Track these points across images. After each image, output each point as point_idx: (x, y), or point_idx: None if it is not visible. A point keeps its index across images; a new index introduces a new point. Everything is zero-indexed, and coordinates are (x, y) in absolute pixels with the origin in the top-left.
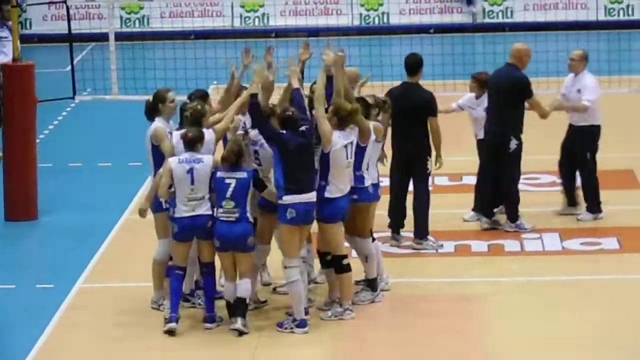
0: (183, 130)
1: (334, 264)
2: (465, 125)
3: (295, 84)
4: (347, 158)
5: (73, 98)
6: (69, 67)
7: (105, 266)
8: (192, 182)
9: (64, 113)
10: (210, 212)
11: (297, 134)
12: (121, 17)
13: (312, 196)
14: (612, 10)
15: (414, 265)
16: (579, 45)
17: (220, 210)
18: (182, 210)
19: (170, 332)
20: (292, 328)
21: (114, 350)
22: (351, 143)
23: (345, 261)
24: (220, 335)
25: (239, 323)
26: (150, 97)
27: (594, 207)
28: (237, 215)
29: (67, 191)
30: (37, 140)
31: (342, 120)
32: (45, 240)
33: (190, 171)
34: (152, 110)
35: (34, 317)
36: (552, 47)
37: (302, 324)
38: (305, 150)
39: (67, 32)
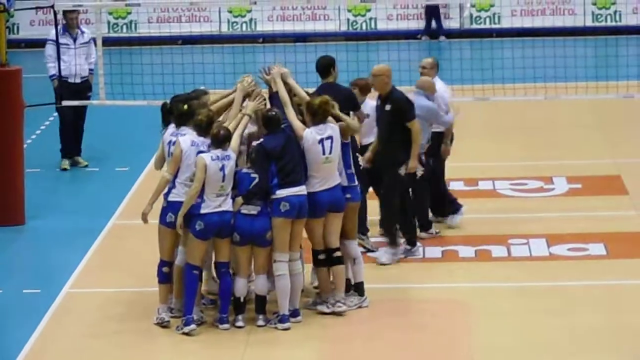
0: (192, 135)
1: (313, 257)
2: (455, 133)
3: (275, 88)
4: (324, 153)
5: (60, 103)
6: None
7: (93, 271)
8: (224, 179)
9: (51, 118)
10: (232, 209)
11: (278, 134)
12: (109, 22)
13: (303, 189)
14: (599, 16)
15: (401, 271)
16: (566, 51)
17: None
18: (211, 207)
19: (188, 334)
20: (275, 324)
21: (102, 355)
22: (330, 138)
23: (321, 256)
24: (209, 335)
25: (260, 321)
26: (184, 105)
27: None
28: (258, 209)
29: (55, 196)
30: (25, 145)
31: (314, 115)
32: (32, 245)
33: (222, 168)
34: (184, 117)
35: (21, 322)
36: (539, 53)
37: (283, 319)
38: (289, 146)
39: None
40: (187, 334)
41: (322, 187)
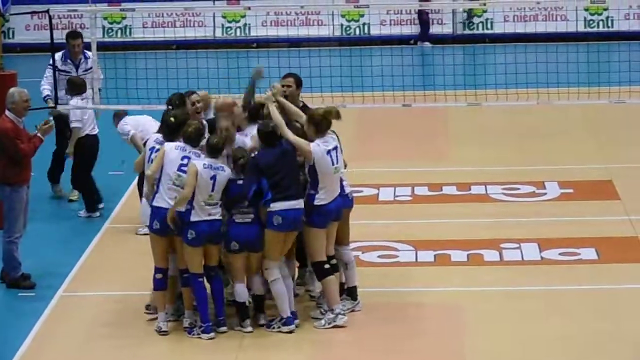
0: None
1: (315, 269)
2: (447, 138)
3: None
4: (333, 164)
5: (55, 107)
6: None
7: (87, 274)
8: (213, 189)
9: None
10: (221, 218)
11: (274, 148)
12: (103, 27)
13: (298, 203)
14: (591, 22)
15: (394, 275)
16: (559, 57)
17: (235, 212)
18: (199, 215)
19: (211, 339)
20: (279, 327)
21: (96, 358)
22: (335, 148)
23: (326, 266)
24: (202, 340)
25: (262, 319)
26: (171, 118)
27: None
28: (252, 216)
29: (49, 200)
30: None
31: (318, 126)
32: (26, 249)
33: (213, 178)
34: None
35: (15, 326)
36: (531, 58)
37: (288, 321)
38: (284, 160)
39: (49, 41)
40: (209, 339)
41: (330, 199)
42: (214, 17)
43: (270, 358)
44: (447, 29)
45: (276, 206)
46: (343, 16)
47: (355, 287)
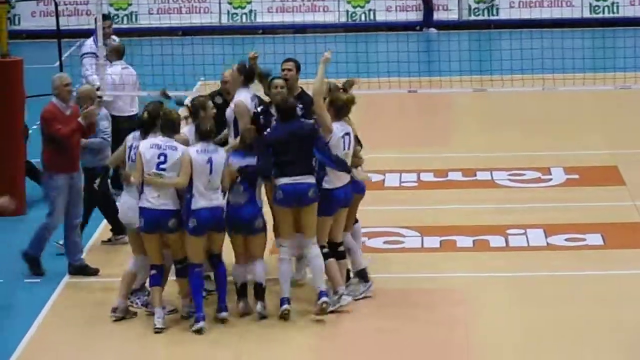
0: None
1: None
2: (453, 124)
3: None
4: (344, 149)
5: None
6: (57, 63)
7: (93, 261)
8: (211, 172)
9: None
10: (223, 204)
11: (287, 123)
12: (109, 14)
13: (303, 178)
14: (597, 8)
15: (400, 261)
16: (564, 43)
17: (229, 193)
18: (200, 202)
19: (198, 332)
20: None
21: (100, 345)
22: (348, 134)
23: (325, 250)
24: (204, 331)
25: (259, 306)
26: (144, 113)
27: None
28: (246, 198)
29: None
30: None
31: (339, 111)
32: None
33: (210, 161)
34: (148, 125)
35: (21, 312)
36: (537, 44)
37: (282, 302)
38: (293, 140)
39: (55, 28)
40: (196, 331)
41: (339, 184)
42: (219, 3)
43: (271, 349)
44: (452, 15)
45: (278, 181)
46: (349, 2)
47: (364, 269)
